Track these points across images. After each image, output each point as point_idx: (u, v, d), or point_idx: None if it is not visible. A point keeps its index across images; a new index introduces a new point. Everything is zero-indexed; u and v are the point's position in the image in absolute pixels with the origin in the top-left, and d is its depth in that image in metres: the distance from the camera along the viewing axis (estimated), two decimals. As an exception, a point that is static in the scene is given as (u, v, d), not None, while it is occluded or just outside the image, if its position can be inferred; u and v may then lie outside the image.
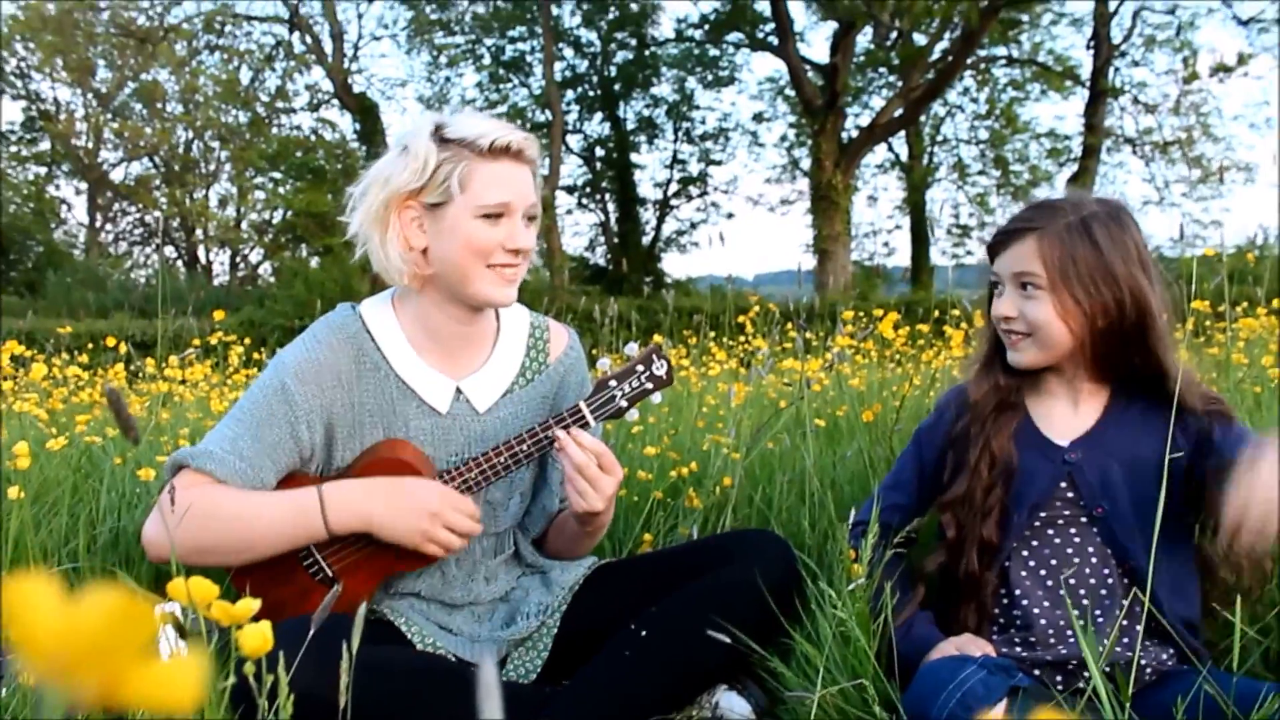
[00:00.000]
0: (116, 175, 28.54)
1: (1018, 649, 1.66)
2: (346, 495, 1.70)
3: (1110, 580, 1.66)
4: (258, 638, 0.97)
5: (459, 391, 1.85)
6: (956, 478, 1.77)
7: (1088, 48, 22.97)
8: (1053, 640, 1.65)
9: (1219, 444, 1.66)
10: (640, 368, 1.86)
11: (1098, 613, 1.64)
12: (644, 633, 1.75)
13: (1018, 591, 1.69)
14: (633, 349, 1.90)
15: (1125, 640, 1.62)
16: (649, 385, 1.86)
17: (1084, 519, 1.69)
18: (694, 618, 1.73)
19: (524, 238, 1.76)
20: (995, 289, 1.77)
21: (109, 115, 26.65)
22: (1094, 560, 1.67)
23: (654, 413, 3.39)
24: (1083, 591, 1.66)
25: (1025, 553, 1.71)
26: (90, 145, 27.15)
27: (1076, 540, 1.69)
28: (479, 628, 1.88)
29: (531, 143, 1.79)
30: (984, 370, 1.82)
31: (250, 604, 1.01)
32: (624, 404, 1.85)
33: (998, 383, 1.78)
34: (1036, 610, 1.68)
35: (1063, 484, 1.71)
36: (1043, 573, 1.69)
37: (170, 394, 4.24)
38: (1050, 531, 1.70)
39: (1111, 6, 22.15)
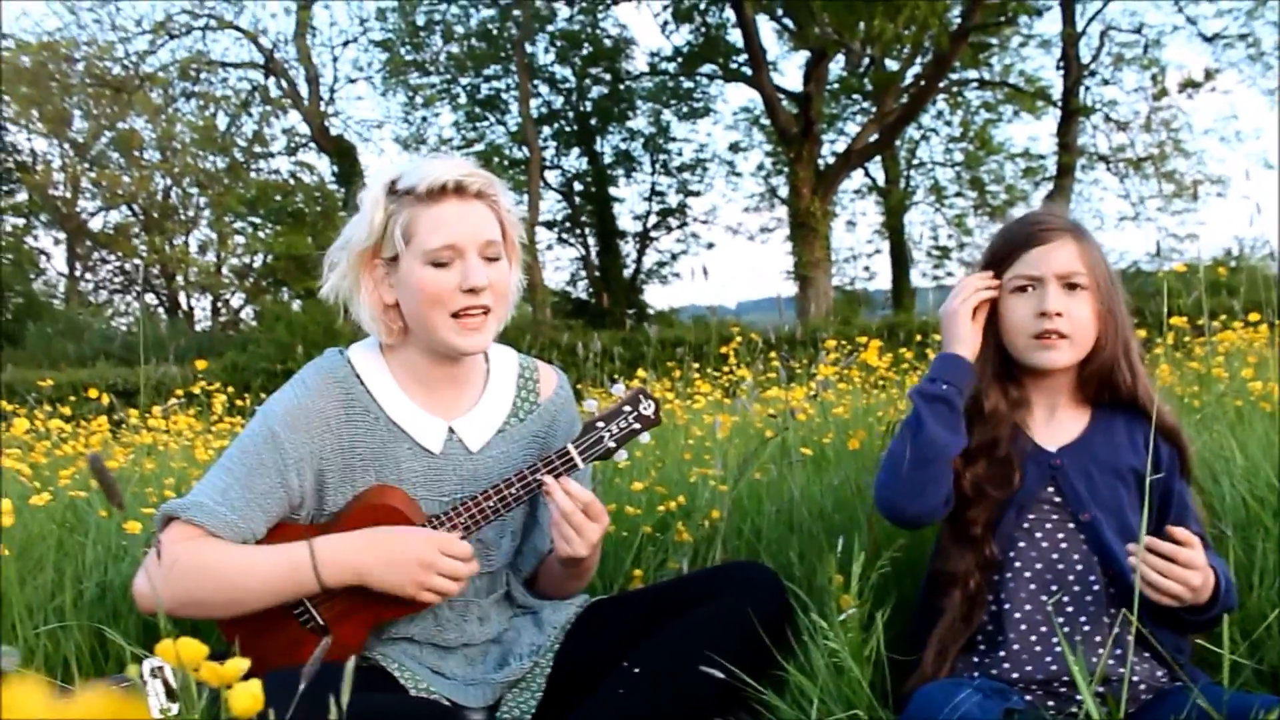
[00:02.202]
0: (95, 224, 28.50)
1: (1005, 666, 1.66)
2: (338, 550, 1.68)
3: (1096, 587, 1.68)
4: (248, 698, 0.96)
5: (451, 431, 1.85)
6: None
7: (1058, 68, 23.28)
8: (1039, 649, 1.66)
9: (1176, 502, 1.77)
10: (628, 408, 1.86)
11: (1083, 619, 1.66)
12: (637, 670, 1.74)
13: (1005, 601, 1.70)
14: (620, 389, 1.91)
15: (1119, 652, 1.63)
16: (637, 425, 1.86)
17: (1071, 524, 1.72)
18: (686, 653, 1.73)
19: (478, 275, 1.71)
20: (1026, 289, 1.76)
21: (86, 164, 26.62)
22: (1079, 567, 1.70)
23: (640, 447, 3.39)
24: (1067, 599, 1.68)
25: (1013, 554, 1.72)
26: (68, 195, 27.10)
27: (1064, 545, 1.71)
28: (472, 670, 1.87)
29: (477, 177, 1.75)
30: (996, 380, 1.79)
31: (240, 664, 1.00)
32: (612, 445, 1.85)
33: (1011, 395, 1.80)
34: (1021, 620, 1.68)
35: (1049, 488, 1.74)
36: (1028, 574, 1.71)
37: (155, 444, 4.21)
38: (1038, 535, 1.73)
39: (1079, 27, 22.42)
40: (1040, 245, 1.74)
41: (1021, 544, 1.72)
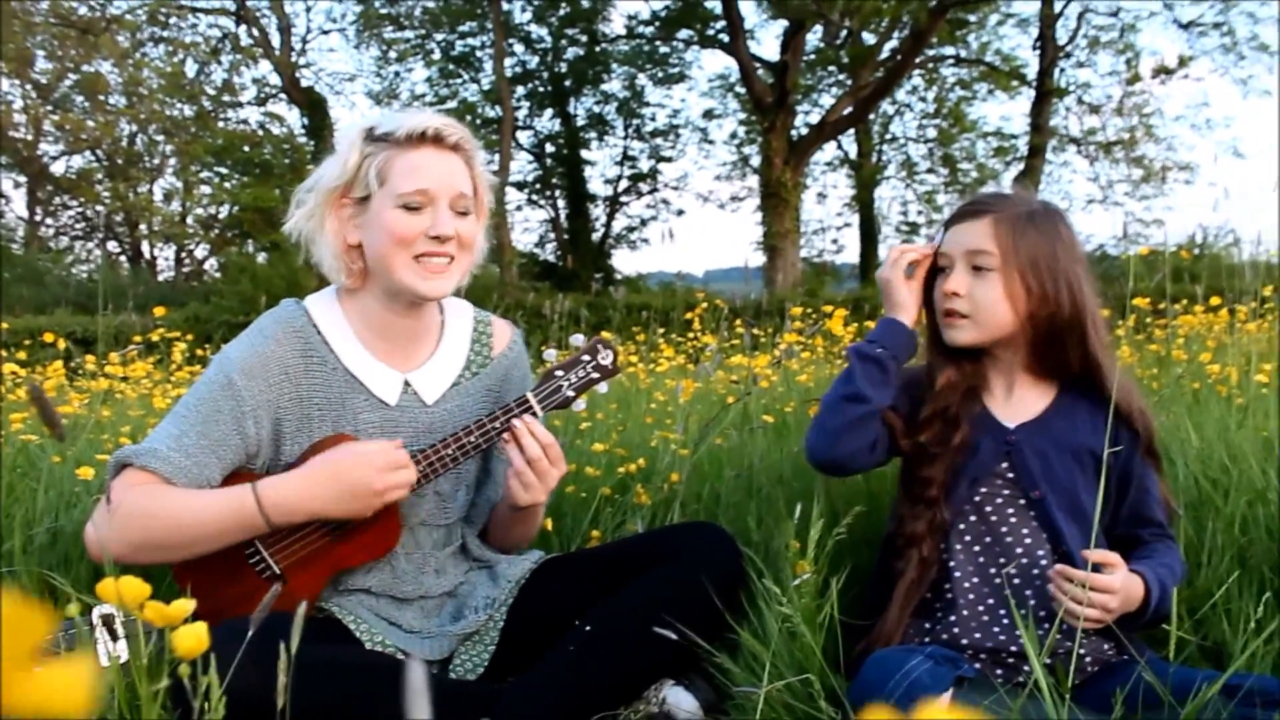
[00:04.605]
0: (57, 168, 28.01)
1: (955, 631, 1.68)
2: (283, 492, 1.67)
3: (1044, 562, 1.69)
4: (191, 638, 0.95)
5: (407, 384, 1.85)
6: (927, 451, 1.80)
7: (1034, 48, 23.29)
8: (986, 619, 1.68)
9: (1135, 485, 1.78)
10: (586, 358, 1.88)
11: (1029, 593, 1.67)
12: (589, 629, 1.75)
13: (955, 570, 1.72)
14: (579, 339, 1.91)
15: (1065, 628, 1.64)
16: (595, 375, 1.88)
17: (1022, 500, 1.74)
18: (639, 614, 1.74)
19: (446, 224, 1.74)
20: (941, 271, 1.80)
21: (49, 107, 26.10)
22: (1028, 541, 1.71)
23: (602, 409, 3.38)
24: (1014, 572, 1.69)
25: (962, 526, 1.75)
26: (30, 137, 26.59)
27: (1013, 520, 1.73)
28: (428, 622, 1.88)
29: (455, 130, 1.78)
30: (946, 359, 1.82)
31: (184, 604, 0.99)
32: (571, 394, 1.86)
33: (965, 369, 1.81)
34: (970, 590, 1.70)
35: (1004, 464, 1.76)
36: (977, 548, 1.73)
37: (111, 391, 4.16)
38: (989, 509, 1.74)
39: (1057, 8, 22.46)
40: (958, 223, 1.78)
41: (972, 517, 1.74)
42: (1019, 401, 1.81)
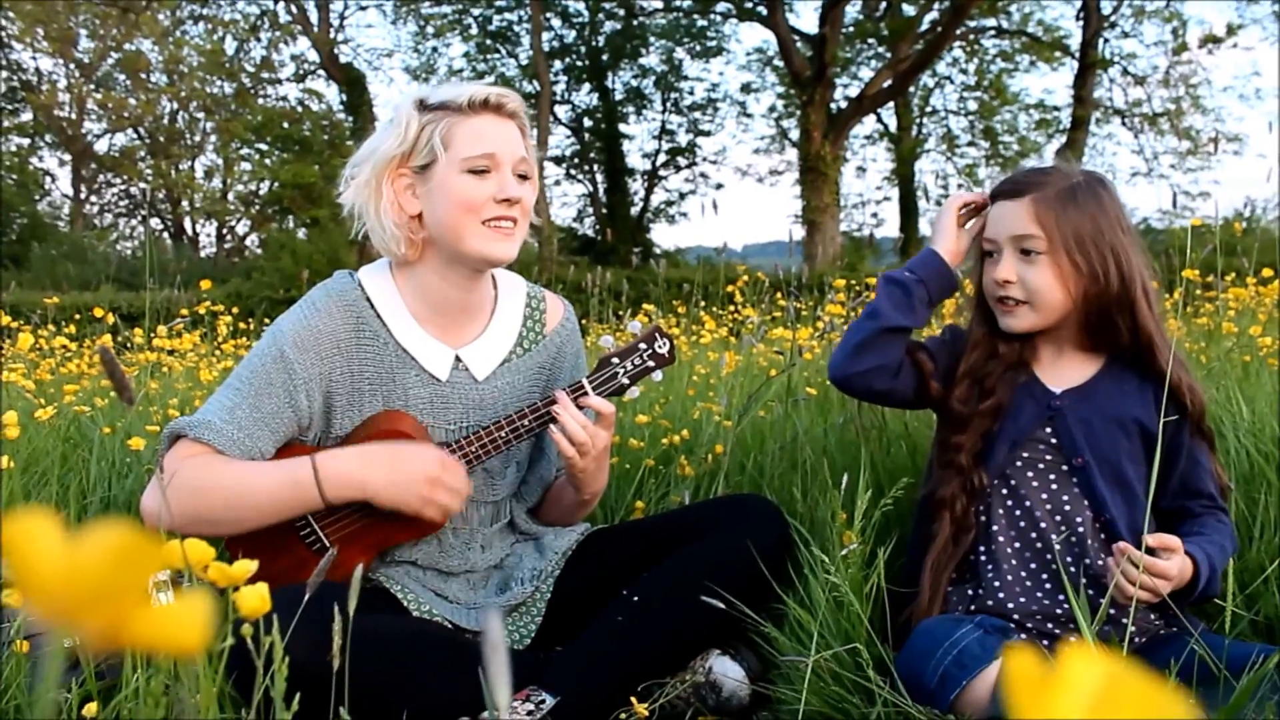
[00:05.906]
0: (100, 147, 28.35)
1: (1000, 597, 1.67)
2: (341, 464, 1.68)
3: (1082, 529, 1.68)
4: (255, 598, 0.96)
5: (458, 359, 1.85)
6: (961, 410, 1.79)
7: (1077, 19, 22.92)
8: (1029, 584, 1.67)
9: (1184, 456, 1.75)
10: (643, 346, 1.88)
11: (1069, 559, 1.67)
12: (636, 598, 1.75)
13: (995, 530, 1.71)
14: (635, 326, 1.92)
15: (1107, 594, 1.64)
16: (651, 363, 1.88)
17: (1064, 467, 1.72)
18: (686, 583, 1.74)
19: (513, 187, 1.75)
20: (989, 255, 1.78)
21: (92, 86, 26.38)
22: (1067, 508, 1.70)
23: (644, 381, 3.38)
24: (1055, 538, 1.68)
25: (1004, 492, 1.74)
26: (73, 116, 26.90)
27: (1054, 487, 1.72)
28: (474, 594, 1.89)
29: (512, 97, 1.80)
30: (991, 334, 1.81)
31: (247, 565, 1.00)
32: (626, 381, 1.87)
33: (997, 351, 1.79)
34: (1012, 555, 1.69)
35: (1046, 429, 1.74)
36: (1017, 512, 1.72)
37: (159, 364, 4.21)
38: (1030, 474, 1.73)
39: (1101, -23, 22.07)
40: (999, 204, 1.75)
41: (1013, 481, 1.73)
42: (1067, 366, 1.79)
